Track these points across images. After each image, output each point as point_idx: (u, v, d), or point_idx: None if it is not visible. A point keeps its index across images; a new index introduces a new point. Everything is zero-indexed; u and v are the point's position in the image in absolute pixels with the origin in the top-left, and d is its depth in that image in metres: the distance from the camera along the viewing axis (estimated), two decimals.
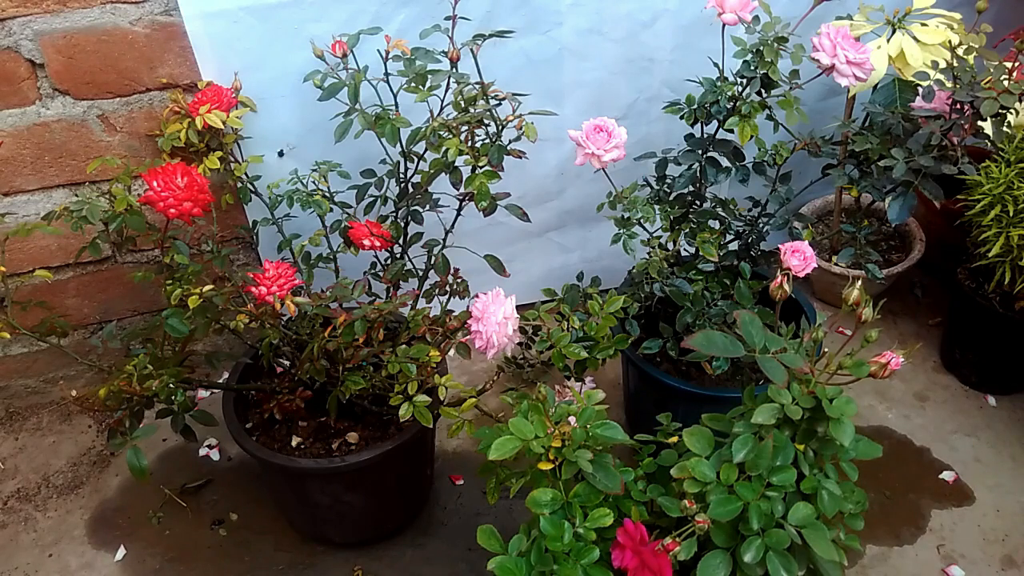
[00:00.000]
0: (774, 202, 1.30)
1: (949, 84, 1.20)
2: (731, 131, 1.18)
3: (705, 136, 1.27)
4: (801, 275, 1.09)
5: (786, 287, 0.98)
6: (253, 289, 1.05)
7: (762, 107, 1.18)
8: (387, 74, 1.22)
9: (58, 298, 1.52)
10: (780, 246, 1.11)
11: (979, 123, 1.19)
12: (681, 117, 1.24)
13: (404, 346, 1.11)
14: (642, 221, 1.22)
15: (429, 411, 1.09)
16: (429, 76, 1.18)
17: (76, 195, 1.43)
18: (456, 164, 1.16)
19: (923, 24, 1.31)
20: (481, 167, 1.12)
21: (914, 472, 1.47)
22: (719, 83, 1.20)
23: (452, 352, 1.10)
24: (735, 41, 1.17)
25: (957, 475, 1.46)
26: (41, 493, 1.51)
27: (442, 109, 1.23)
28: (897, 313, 1.78)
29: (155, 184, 1.05)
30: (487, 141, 1.14)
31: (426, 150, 1.22)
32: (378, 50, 1.21)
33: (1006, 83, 1.14)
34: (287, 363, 1.32)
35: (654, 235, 1.29)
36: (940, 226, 1.73)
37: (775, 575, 0.84)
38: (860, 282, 0.93)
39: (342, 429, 1.30)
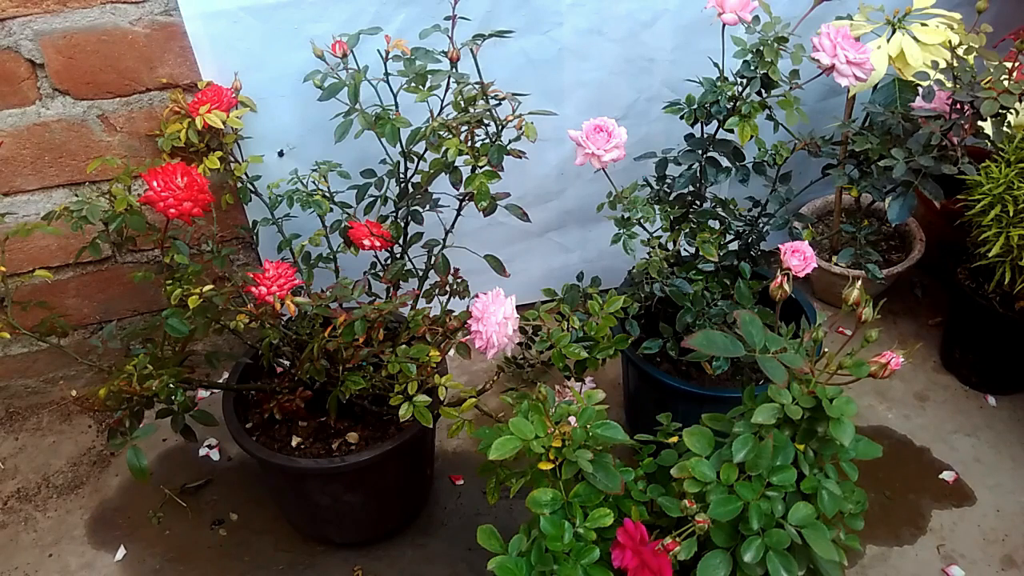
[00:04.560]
0: (774, 202, 1.30)
1: (949, 84, 1.20)
2: (731, 131, 1.18)
3: (705, 136, 1.27)
4: (801, 275, 1.09)
5: (786, 287, 0.98)
6: (253, 289, 1.05)
7: (762, 107, 1.18)
8: (387, 74, 1.22)
9: (58, 298, 1.52)
10: (780, 246, 1.11)
11: (979, 123, 1.19)
12: (681, 117, 1.24)
13: (404, 346, 1.11)
14: (642, 221, 1.22)
15: (429, 411, 1.09)
16: (429, 76, 1.18)
17: (76, 195, 1.43)
18: (456, 164, 1.16)
19: (923, 24, 1.31)
20: (481, 167, 1.12)
21: (914, 472, 1.47)
22: (719, 83, 1.20)
23: (452, 352, 1.10)
24: (735, 41, 1.17)
25: (957, 475, 1.46)
26: (41, 493, 1.51)
27: (442, 109, 1.23)
28: (897, 313, 1.78)
29: (155, 184, 1.05)
30: (487, 141, 1.14)
31: (426, 150, 1.22)
32: (378, 50, 1.21)
33: (1006, 83, 1.14)
34: (287, 363, 1.32)
35: (654, 235, 1.29)
36: (940, 226, 1.73)
37: (775, 575, 0.84)
38: (860, 282, 0.93)
39: (342, 429, 1.30)
